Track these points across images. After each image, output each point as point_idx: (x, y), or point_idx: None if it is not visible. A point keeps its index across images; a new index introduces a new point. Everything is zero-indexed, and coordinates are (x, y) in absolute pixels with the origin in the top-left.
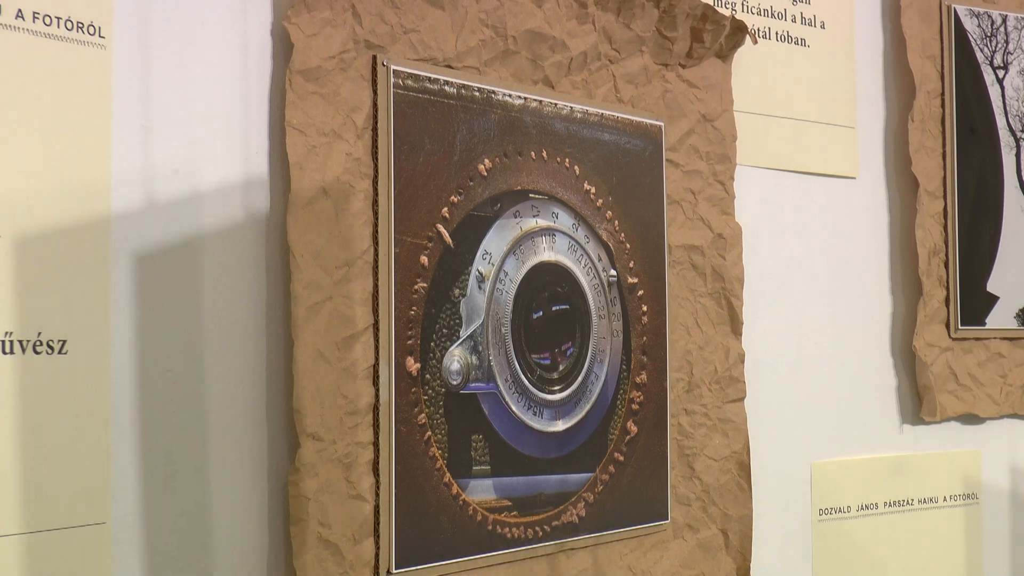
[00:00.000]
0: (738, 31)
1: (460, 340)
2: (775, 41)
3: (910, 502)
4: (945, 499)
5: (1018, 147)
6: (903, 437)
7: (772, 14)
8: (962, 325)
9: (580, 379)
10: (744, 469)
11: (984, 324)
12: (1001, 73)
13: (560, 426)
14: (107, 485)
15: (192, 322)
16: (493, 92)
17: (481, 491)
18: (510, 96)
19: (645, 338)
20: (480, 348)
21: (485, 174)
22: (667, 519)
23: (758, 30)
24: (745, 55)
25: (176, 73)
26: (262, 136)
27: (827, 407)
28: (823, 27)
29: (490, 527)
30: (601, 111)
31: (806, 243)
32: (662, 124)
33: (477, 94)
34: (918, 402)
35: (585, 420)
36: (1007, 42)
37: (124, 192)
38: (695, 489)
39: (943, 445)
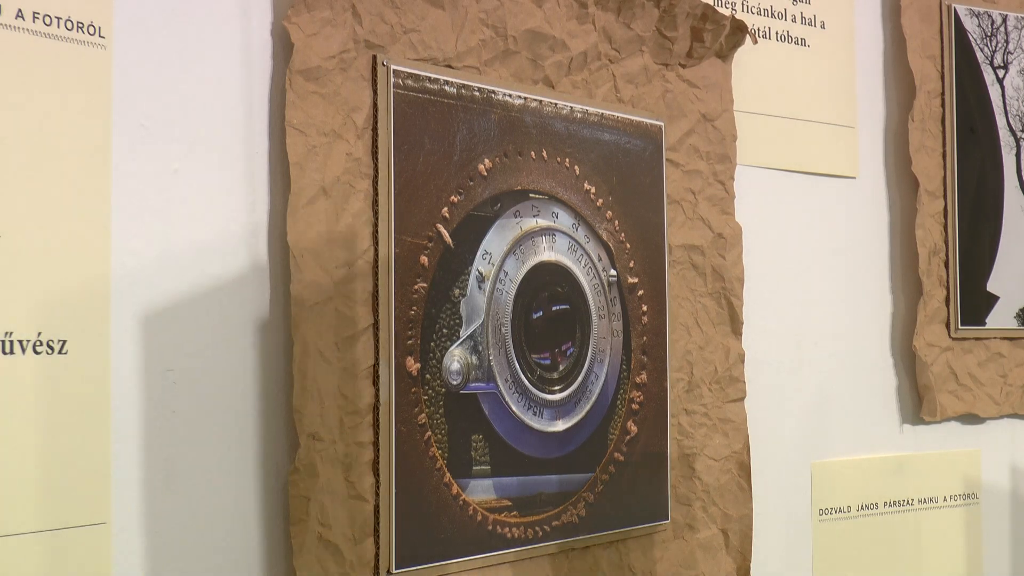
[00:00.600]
0: (738, 31)
1: (460, 340)
2: (775, 41)
3: (910, 502)
4: (945, 499)
5: (1018, 147)
6: (903, 437)
7: (772, 14)
8: (962, 325)
9: (580, 379)
10: (744, 469)
11: (984, 324)
12: (1001, 73)
13: (560, 426)
14: (107, 485)
15: (192, 322)
16: (493, 92)
17: (481, 491)
18: (510, 96)
19: (645, 338)
20: (480, 348)
21: (485, 174)
22: (667, 519)
23: (758, 30)
24: (745, 55)
25: (176, 73)
26: (262, 136)
27: (827, 407)
28: (823, 27)
29: (490, 527)
30: (601, 111)
31: (806, 243)
32: (662, 124)
33: (477, 94)
34: (918, 402)
35: (585, 420)
36: (1007, 42)
37: (124, 191)
38: (695, 489)
39: (943, 445)
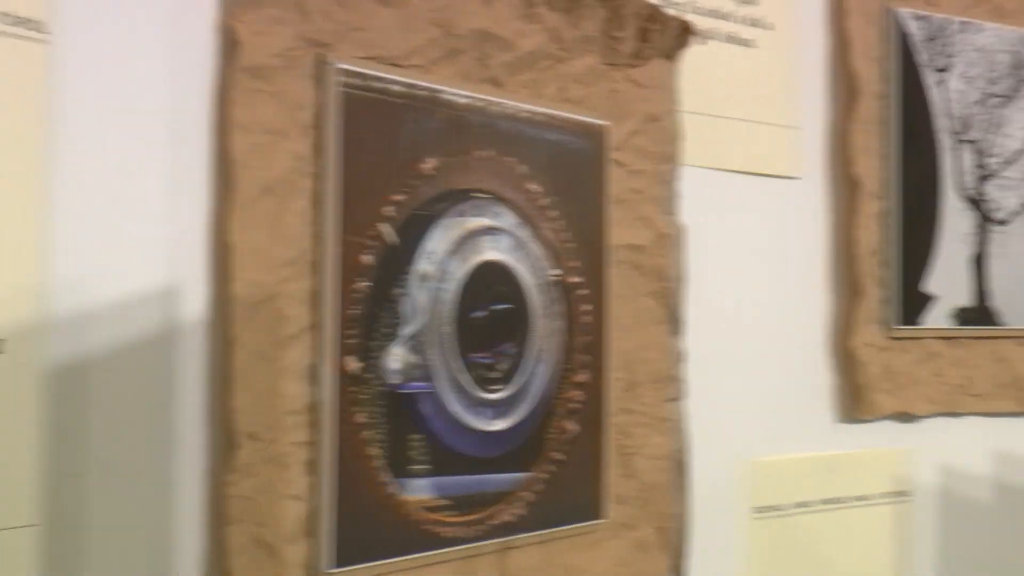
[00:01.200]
0: (685, 32)
1: (401, 339)
2: (722, 42)
3: (845, 500)
4: (879, 496)
5: (957, 149)
6: (839, 435)
7: (719, 15)
8: (899, 325)
9: (520, 378)
10: (682, 468)
11: (921, 324)
12: (943, 76)
13: (499, 425)
14: (38, 486)
15: (131, 320)
16: (440, 91)
17: (419, 490)
18: (456, 95)
19: (586, 337)
20: (421, 347)
21: (430, 173)
22: (604, 518)
23: (705, 31)
24: (692, 56)
25: (119, 70)
26: (205, 134)
27: (765, 406)
28: (769, 29)
29: (428, 526)
30: (548, 111)
31: (749, 243)
32: (608, 124)
33: (423, 93)
34: (854, 400)
35: (524, 419)
36: (949, 45)
37: (62, 188)
38: (633, 488)
39: (878, 443)
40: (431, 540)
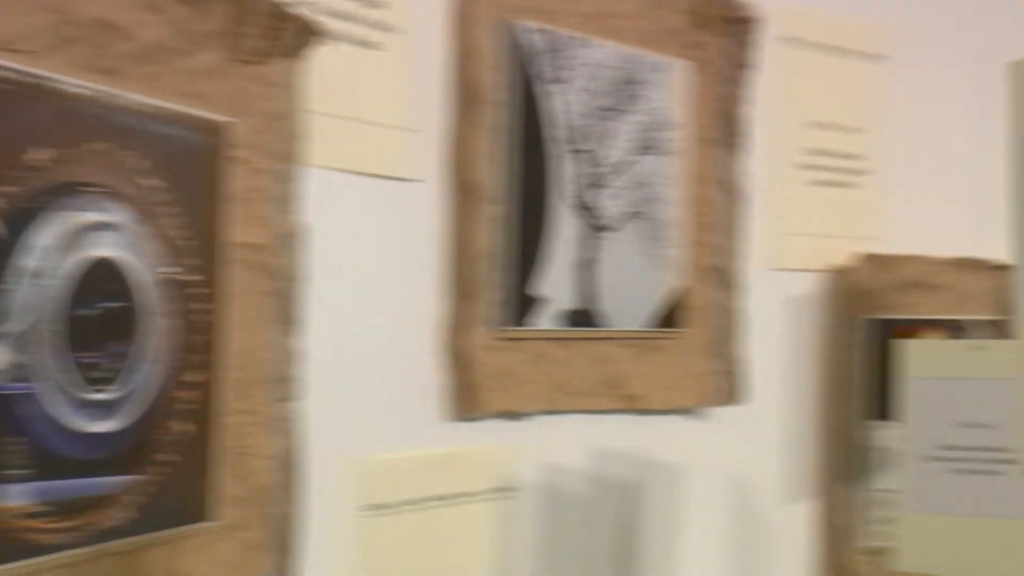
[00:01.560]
0: (311, 32)
1: (2, 338)
2: (350, 44)
3: (452, 496)
4: (485, 493)
5: (571, 159)
6: (449, 433)
7: (348, 17)
8: (508, 326)
9: (129, 378)
10: (294, 468)
11: (530, 325)
12: (559, 88)
13: (106, 427)
14: None
15: None
16: (52, 80)
17: (17, 496)
18: (71, 85)
19: (201, 336)
20: (24, 346)
21: (40, 165)
22: (215, 520)
23: (333, 32)
24: (319, 56)
25: None
26: None
27: (377, 405)
28: (396, 33)
29: (25, 534)
30: (168, 105)
31: (367, 244)
32: (230, 121)
33: (34, 81)
34: (464, 399)
35: (133, 420)
36: (566, 59)
37: None
38: (245, 489)
39: (486, 441)
40: (28, 548)
